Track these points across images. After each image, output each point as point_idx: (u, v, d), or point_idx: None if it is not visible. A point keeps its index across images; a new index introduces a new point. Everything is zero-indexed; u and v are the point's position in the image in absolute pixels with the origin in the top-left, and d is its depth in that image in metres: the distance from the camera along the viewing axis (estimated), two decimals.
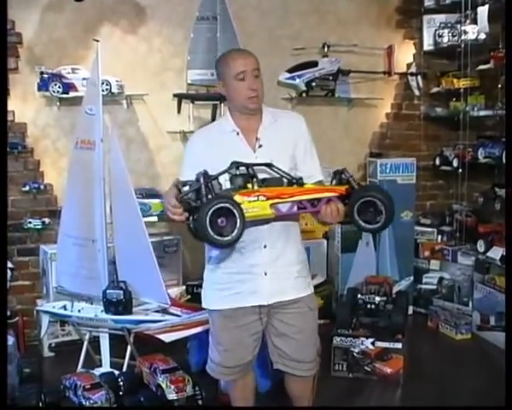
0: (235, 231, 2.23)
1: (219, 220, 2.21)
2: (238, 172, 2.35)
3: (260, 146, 2.52)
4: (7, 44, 3.39)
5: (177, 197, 2.29)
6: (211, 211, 2.19)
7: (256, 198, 2.29)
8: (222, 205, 2.20)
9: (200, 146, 2.56)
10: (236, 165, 2.35)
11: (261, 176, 2.37)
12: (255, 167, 2.36)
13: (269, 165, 2.39)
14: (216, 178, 2.33)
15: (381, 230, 2.40)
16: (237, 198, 2.27)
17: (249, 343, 2.65)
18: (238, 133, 2.54)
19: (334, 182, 2.47)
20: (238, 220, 2.22)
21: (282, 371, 2.72)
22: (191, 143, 2.64)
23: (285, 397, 2.93)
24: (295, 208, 2.37)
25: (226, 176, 2.37)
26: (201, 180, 2.27)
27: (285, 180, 2.41)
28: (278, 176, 2.40)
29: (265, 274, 2.54)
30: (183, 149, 2.68)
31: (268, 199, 2.30)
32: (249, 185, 2.34)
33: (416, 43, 5.17)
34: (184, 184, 2.36)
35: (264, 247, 2.52)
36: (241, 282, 2.54)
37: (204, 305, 2.71)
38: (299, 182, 2.41)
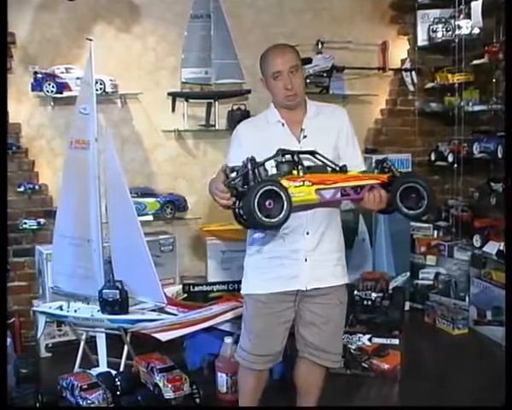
0: (282, 213, 2.26)
1: (267, 203, 2.25)
2: (284, 160, 2.39)
3: (305, 136, 2.57)
4: (6, 45, 3.37)
5: (225, 183, 2.33)
6: (259, 193, 2.22)
7: (302, 183, 2.34)
8: (270, 187, 2.24)
9: (248, 134, 2.61)
10: (282, 152, 2.39)
11: (306, 164, 2.41)
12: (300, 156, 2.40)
13: (313, 153, 2.43)
14: (263, 164, 2.36)
15: (424, 215, 2.45)
16: (284, 182, 2.31)
17: (279, 332, 2.66)
18: (283, 124, 2.59)
19: (376, 171, 2.51)
20: (285, 203, 2.26)
21: (309, 360, 2.72)
22: (239, 130, 2.67)
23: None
24: (339, 195, 2.40)
25: (272, 163, 2.41)
26: (249, 166, 2.31)
27: (329, 169, 2.44)
28: (322, 164, 2.43)
29: (305, 260, 2.57)
30: (230, 138, 2.68)
31: (313, 184, 2.34)
32: (294, 172, 2.37)
33: (410, 38, 5.16)
34: (232, 170, 2.39)
35: (307, 233, 2.56)
36: (282, 266, 2.57)
37: (242, 290, 2.71)
38: (342, 169, 2.44)
